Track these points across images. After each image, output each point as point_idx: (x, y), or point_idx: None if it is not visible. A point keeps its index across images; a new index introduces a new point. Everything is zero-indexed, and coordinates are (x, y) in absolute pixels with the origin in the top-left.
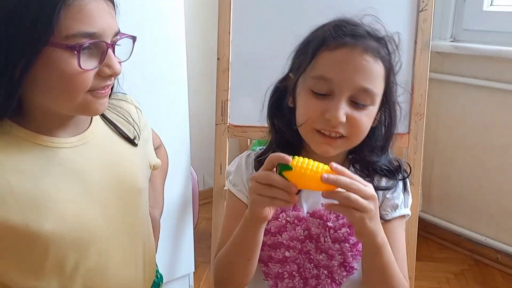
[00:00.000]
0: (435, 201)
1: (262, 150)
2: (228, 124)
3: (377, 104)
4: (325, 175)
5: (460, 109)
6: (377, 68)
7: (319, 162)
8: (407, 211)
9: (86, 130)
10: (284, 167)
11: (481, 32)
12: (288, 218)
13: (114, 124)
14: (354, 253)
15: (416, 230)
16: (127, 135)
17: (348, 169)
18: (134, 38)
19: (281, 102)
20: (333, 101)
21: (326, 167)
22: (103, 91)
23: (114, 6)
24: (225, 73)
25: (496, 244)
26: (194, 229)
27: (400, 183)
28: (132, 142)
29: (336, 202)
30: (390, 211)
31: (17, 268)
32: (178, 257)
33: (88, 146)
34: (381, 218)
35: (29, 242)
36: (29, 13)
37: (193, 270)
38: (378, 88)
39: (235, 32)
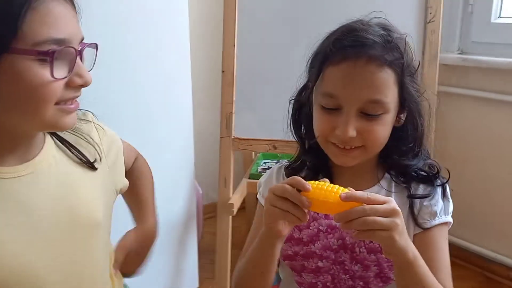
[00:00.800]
0: None
1: (292, 160)
2: (232, 137)
3: (392, 110)
4: (336, 215)
5: (468, 122)
6: (384, 76)
7: (341, 183)
8: (448, 218)
9: (35, 156)
10: None
11: (489, 44)
12: (320, 227)
13: (69, 147)
14: (390, 263)
15: None
16: (85, 158)
17: (383, 176)
18: (96, 46)
19: (302, 111)
20: (341, 117)
21: (343, 190)
22: (72, 106)
23: (76, 11)
24: (229, 86)
25: (507, 261)
26: (198, 244)
27: (439, 190)
28: (91, 166)
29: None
30: (428, 219)
31: None
32: (181, 272)
33: (37, 175)
34: (419, 226)
35: None
36: None
37: (197, 286)
38: (388, 96)
39: (240, 45)
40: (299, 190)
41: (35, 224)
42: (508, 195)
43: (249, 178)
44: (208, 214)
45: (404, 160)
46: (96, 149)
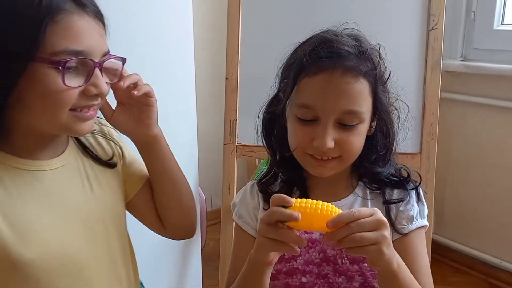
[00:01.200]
0: (448, 222)
1: (264, 173)
2: (236, 144)
3: (366, 119)
4: (330, 223)
5: (471, 129)
6: (359, 87)
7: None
8: (424, 222)
9: (64, 151)
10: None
11: (491, 51)
12: None
13: (88, 148)
14: (374, 272)
15: (429, 253)
16: (101, 160)
17: (357, 184)
18: (123, 60)
19: (274, 123)
20: (319, 128)
21: (328, 206)
22: (88, 113)
23: (104, 26)
24: (233, 93)
25: (511, 267)
26: (201, 250)
27: (413, 194)
28: (109, 164)
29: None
30: (406, 224)
31: None
32: (185, 279)
33: (67, 168)
34: (398, 232)
35: (10, 269)
36: (16, 28)
37: None
38: (363, 106)
39: (243, 52)
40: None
41: (71, 212)
42: (511, 203)
43: None
44: (212, 220)
45: (375, 168)
46: (115, 145)
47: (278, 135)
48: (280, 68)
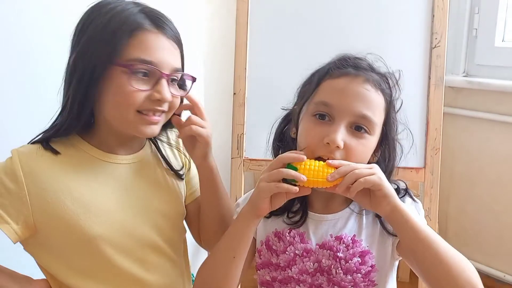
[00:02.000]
0: (452, 236)
1: None
2: (243, 158)
3: (375, 134)
4: (329, 176)
5: (475, 143)
6: (378, 98)
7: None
8: (422, 218)
9: (139, 151)
10: (292, 167)
11: (493, 67)
12: (296, 251)
13: (164, 156)
14: (366, 283)
15: None
16: (173, 169)
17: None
18: (194, 79)
19: (284, 135)
20: (332, 126)
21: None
22: (152, 117)
23: (179, 47)
24: (241, 108)
25: None
26: None
27: (406, 199)
28: (178, 175)
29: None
30: None
31: (66, 265)
32: None
33: (140, 165)
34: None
35: (79, 241)
36: (105, 39)
37: None
38: (377, 117)
39: (251, 68)
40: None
41: (139, 203)
42: None
43: None
44: None
45: None
46: (185, 158)
47: (286, 146)
48: (297, 89)
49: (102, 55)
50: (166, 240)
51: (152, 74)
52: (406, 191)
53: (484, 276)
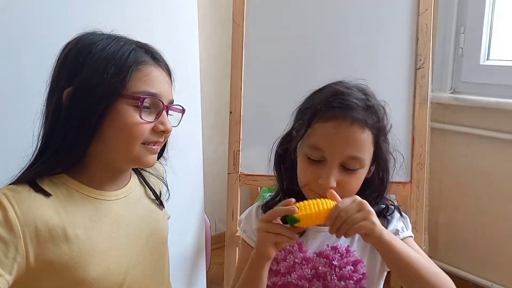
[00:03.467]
0: (442, 247)
1: (269, 198)
2: (239, 173)
3: (367, 165)
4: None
5: (462, 157)
6: (364, 137)
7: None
8: (409, 233)
9: (126, 185)
10: (292, 218)
11: (479, 84)
12: (296, 260)
13: (150, 186)
14: None
15: None
16: (159, 199)
17: None
18: (183, 111)
19: (285, 156)
20: (325, 168)
21: (323, 202)
22: (155, 146)
23: (171, 78)
24: (237, 126)
25: None
26: (206, 274)
27: (395, 214)
28: (160, 203)
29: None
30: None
31: None
32: None
33: (128, 199)
34: None
35: (74, 283)
36: (110, 73)
37: None
38: (366, 154)
39: (246, 86)
40: (291, 223)
41: (129, 238)
42: (501, 227)
43: None
44: (215, 244)
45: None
46: (166, 189)
47: (288, 167)
48: (295, 110)
49: (108, 89)
50: (157, 274)
51: (155, 106)
52: (395, 207)
53: (472, 285)
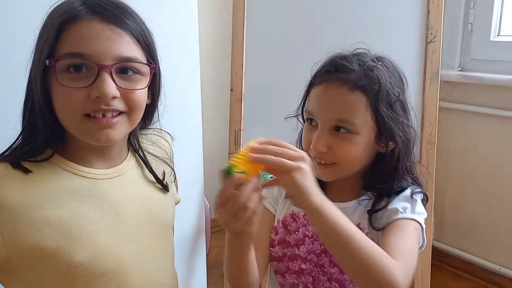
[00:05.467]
0: (448, 229)
1: None
2: None
3: (363, 132)
4: (252, 154)
5: (470, 137)
6: (354, 99)
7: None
8: (410, 215)
9: (121, 163)
10: (229, 168)
11: (488, 61)
12: (307, 232)
13: (150, 167)
14: None
15: (429, 259)
16: (161, 181)
17: (364, 193)
18: (152, 68)
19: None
20: (316, 133)
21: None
22: (103, 119)
23: (131, 32)
24: (238, 104)
25: (511, 273)
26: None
27: (406, 192)
28: (164, 187)
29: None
30: (387, 218)
31: None
32: (191, 286)
33: (122, 178)
34: (380, 228)
35: (60, 270)
36: (43, 36)
37: None
38: (357, 118)
39: (248, 64)
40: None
41: (122, 220)
42: (509, 209)
43: None
44: (215, 228)
45: (384, 183)
46: (170, 171)
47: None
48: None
49: (38, 57)
50: (152, 260)
51: (90, 68)
52: (411, 189)
53: (480, 269)
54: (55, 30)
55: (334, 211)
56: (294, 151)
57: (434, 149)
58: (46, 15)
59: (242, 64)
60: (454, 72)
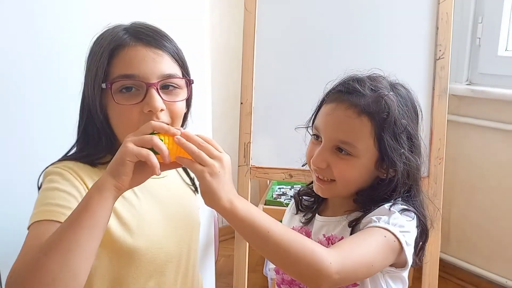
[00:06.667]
0: (454, 241)
1: (306, 185)
2: (250, 166)
3: (363, 157)
4: (179, 137)
5: (477, 151)
6: (359, 123)
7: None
8: (381, 224)
9: None
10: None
11: (496, 76)
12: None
13: (187, 170)
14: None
15: (437, 272)
16: (194, 183)
17: (354, 210)
18: (188, 81)
19: None
20: (318, 148)
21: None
22: None
23: (168, 52)
24: (247, 117)
25: None
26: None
27: (384, 207)
28: (196, 189)
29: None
30: (365, 226)
31: (101, 274)
32: None
33: (166, 179)
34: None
35: (120, 252)
36: (95, 63)
37: None
38: (359, 143)
39: (257, 78)
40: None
41: (167, 214)
42: None
43: (265, 204)
44: (222, 237)
45: (371, 204)
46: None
47: None
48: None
49: (93, 81)
50: (186, 256)
51: (140, 87)
52: (398, 205)
53: (486, 281)
54: (107, 56)
55: (248, 212)
56: (218, 150)
57: (443, 164)
58: (91, 44)
59: (252, 78)
60: (462, 86)
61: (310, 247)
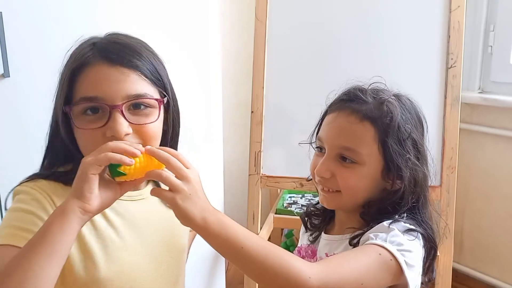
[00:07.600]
0: (467, 251)
1: (312, 204)
2: (261, 175)
3: (368, 164)
4: (148, 147)
5: (489, 159)
6: (361, 129)
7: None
8: (381, 242)
9: (145, 187)
10: (116, 170)
11: (508, 84)
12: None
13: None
14: None
15: (450, 282)
16: None
17: (357, 229)
18: (160, 102)
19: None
20: (322, 158)
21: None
22: None
23: (137, 70)
24: (258, 126)
25: None
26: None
27: (384, 225)
28: None
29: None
30: (363, 243)
31: None
32: None
33: (145, 202)
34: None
35: (86, 284)
36: (60, 82)
37: None
38: (363, 148)
39: (268, 87)
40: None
41: (144, 239)
42: None
43: (276, 213)
44: None
45: (376, 216)
46: None
47: None
48: None
49: (57, 103)
50: (167, 279)
51: (104, 110)
52: (402, 223)
53: None
54: (68, 78)
55: (222, 227)
56: (187, 168)
57: (455, 174)
58: (65, 59)
59: (263, 87)
60: (474, 94)
61: (287, 261)
